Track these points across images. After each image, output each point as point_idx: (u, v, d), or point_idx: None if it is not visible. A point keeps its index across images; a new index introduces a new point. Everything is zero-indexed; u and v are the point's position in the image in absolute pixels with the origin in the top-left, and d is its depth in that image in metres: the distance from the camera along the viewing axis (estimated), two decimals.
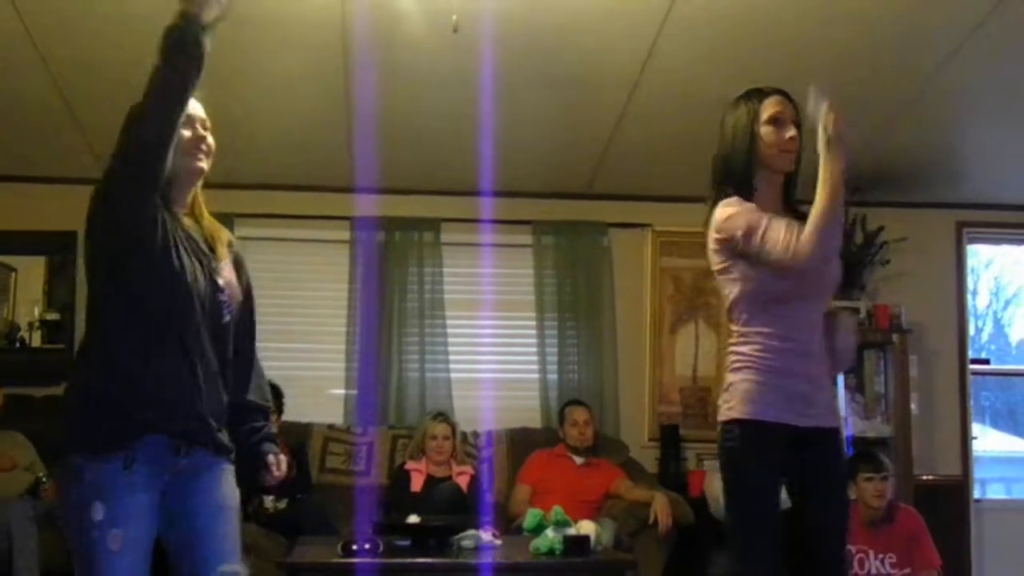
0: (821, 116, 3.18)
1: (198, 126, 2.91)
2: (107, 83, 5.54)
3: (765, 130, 3.33)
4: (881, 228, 6.68)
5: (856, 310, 6.58)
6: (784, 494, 3.42)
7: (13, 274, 6.63)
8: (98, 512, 2.67)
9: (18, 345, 6.54)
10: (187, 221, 2.91)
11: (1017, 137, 6.24)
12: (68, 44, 5.25)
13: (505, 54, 5.18)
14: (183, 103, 2.69)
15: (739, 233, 3.23)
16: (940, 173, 6.73)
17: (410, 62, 5.35)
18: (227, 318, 2.89)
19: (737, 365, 3.31)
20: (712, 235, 3.34)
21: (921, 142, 6.27)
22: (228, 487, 2.89)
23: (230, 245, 3.03)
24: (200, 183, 2.97)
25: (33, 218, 6.54)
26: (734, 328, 3.36)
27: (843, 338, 3.38)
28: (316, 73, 5.47)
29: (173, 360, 2.75)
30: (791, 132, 3.33)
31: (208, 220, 2.99)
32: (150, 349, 2.72)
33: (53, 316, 6.53)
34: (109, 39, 5.18)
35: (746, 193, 3.32)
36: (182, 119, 2.73)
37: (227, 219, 6.23)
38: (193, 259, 2.82)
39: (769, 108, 3.35)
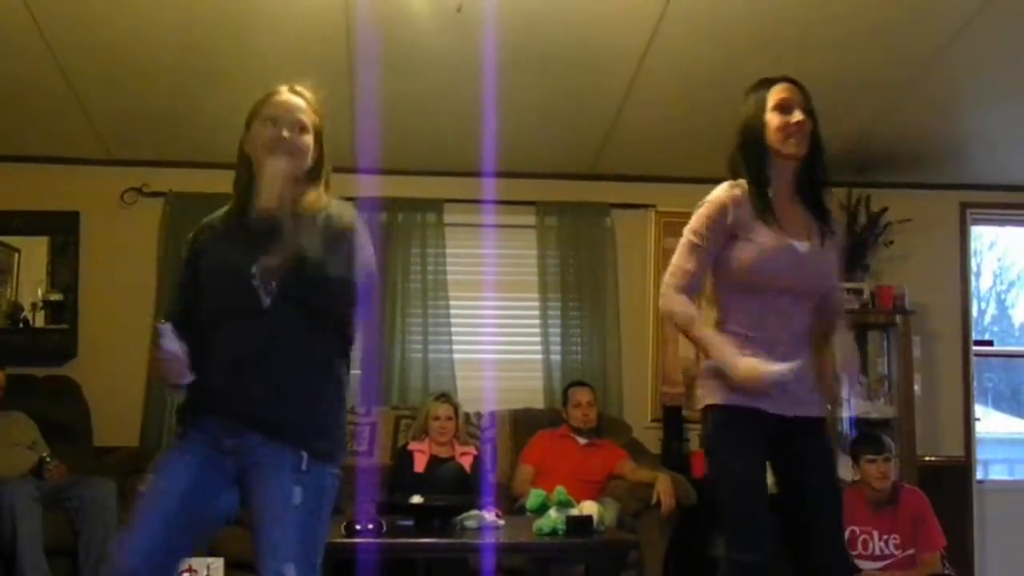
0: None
1: (280, 127, 2.98)
2: (110, 66, 5.55)
3: (771, 116, 3.34)
4: (885, 209, 6.67)
5: (860, 291, 6.60)
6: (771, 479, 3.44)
7: (16, 254, 6.62)
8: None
9: (21, 325, 6.54)
10: (260, 216, 2.87)
11: (1021, 118, 6.22)
12: (72, 28, 5.25)
13: (509, 34, 5.17)
14: None
15: (689, 235, 3.39)
16: (944, 154, 6.72)
17: (413, 41, 5.33)
18: (266, 302, 2.82)
19: None
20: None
21: (925, 123, 6.25)
22: (285, 485, 2.81)
23: (314, 219, 2.95)
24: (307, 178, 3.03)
25: (36, 198, 6.54)
26: (716, 309, 3.40)
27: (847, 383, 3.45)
28: (319, 53, 5.46)
29: (212, 350, 2.88)
30: (797, 116, 3.32)
31: (302, 207, 2.94)
32: (201, 345, 2.88)
33: (56, 296, 6.54)
34: (113, 24, 5.19)
35: (762, 183, 3.35)
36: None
37: (226, 199, 6.24)
38: (233, 259, 2.89)
39: (775, 95, 3.36)
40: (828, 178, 3.45)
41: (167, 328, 2.82)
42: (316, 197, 3.03)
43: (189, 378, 2.86)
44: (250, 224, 2.92)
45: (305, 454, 2.82)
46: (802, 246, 3.34)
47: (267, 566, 2.78)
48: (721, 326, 3.36)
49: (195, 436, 2.89)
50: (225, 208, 3.13)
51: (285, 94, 3.05)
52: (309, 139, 3.03)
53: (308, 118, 3.04)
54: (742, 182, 3.39)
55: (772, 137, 3.34)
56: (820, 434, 3.39)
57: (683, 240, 3.39)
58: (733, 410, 3.28)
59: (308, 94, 3.07)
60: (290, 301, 2.84)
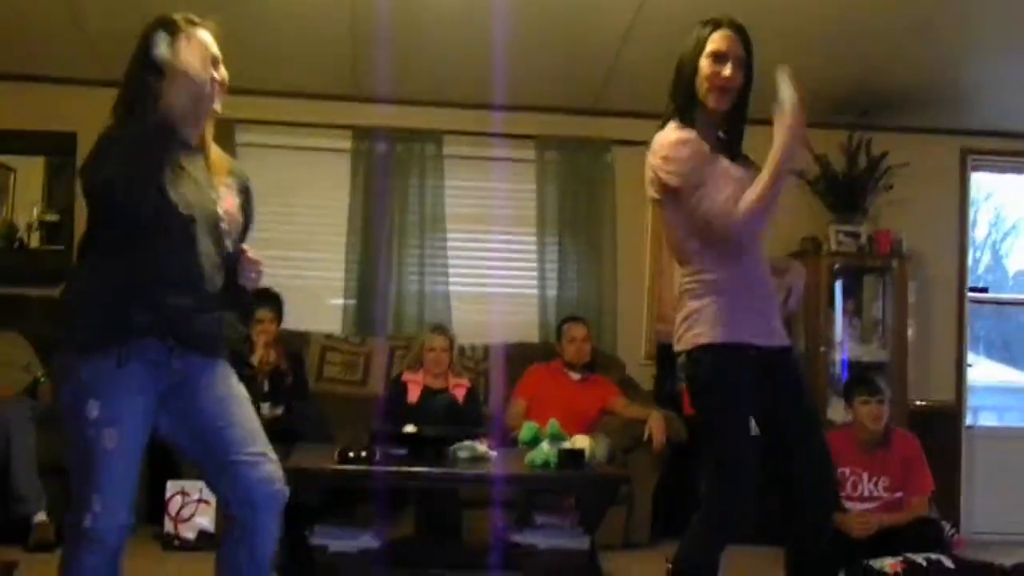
0: (786, 105, 3.11)
1: (217, 68, 2.97)
2: None
3: (704, 63, 3.28)
4: (885, 153, 6.64)
5: (857, 235, 6.59)
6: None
7: (12, 174, 6.59)
8: (93, 410, 2.71)
9: (17, 246, 6.52)
10: (190, 153, 2.95)
11: None
12: None
13: None
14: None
15: (676, 181, 3.24)
16: (946, 99, 6.69)
17: None
18: (229, 247, 2.94)
19: (700, 291, 3.26)
20: (652, 160, 3.36)
21: (928, 67, 6.22)
22: (232, 379, 2.96)
23: (231, 174, 3.06)
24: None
25: (33, 118, 6.49)
26: (688, 257, 3.30)
27: (795, 297, 3.40)
28: None
29: (166, 267, 2.81)
30: (727, 70, 3.25)
31: (214, 153, 3.03)
32: (144, 256, 2.79)
33: (52, 217, 6.52)
34: None
35: (686, 122, 3.29)
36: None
37: (228, 125, 6.20)
38: (190, 184, 2.88)
39: (714, 42, 3.28)
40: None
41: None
42: (218, 154, 3.07)
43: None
44: (192, 154, 2.96)
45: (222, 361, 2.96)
46: (747, 173, 3.29)
47: (251, 451, 2.88)
48: (697, 276, 3.28)
49: (136, 361, 2.76)
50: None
51: (199, 28, 2.97)
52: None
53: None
54: (683, 132, 3.29)
55: (699, 84, 3.29)
56: (792, 363, 3.39)
57: (692, 185, 3.21)
58: (725, 349, 3.21)
59: (211, 24, 3.00)
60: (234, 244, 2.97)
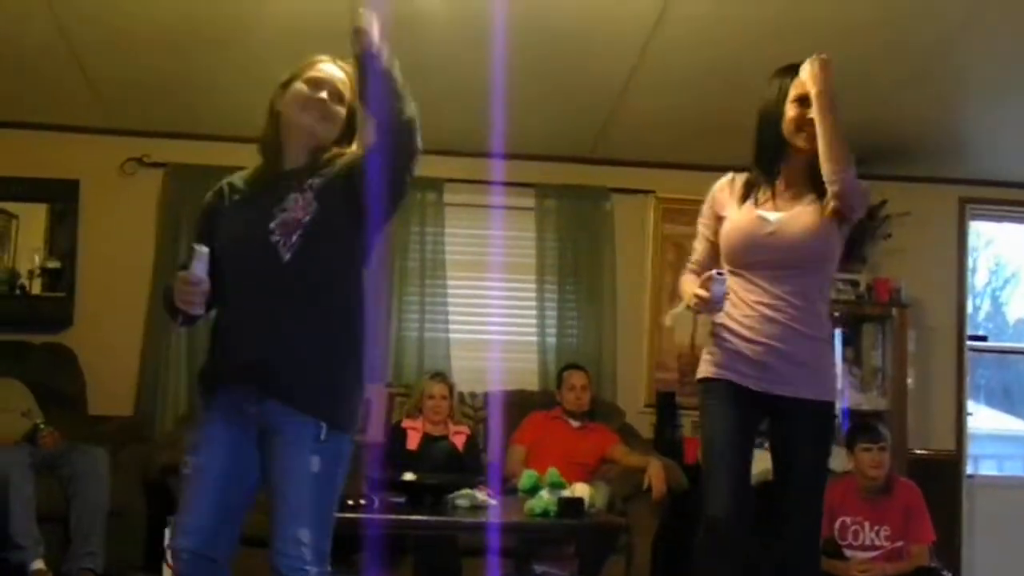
0: (807, 73, 3.35)
1: (321, 90, 3.01)
2: (114, 33, 5.52)
3: (789, 108, 3.39)
4: (884, 202, 6.66)
5: (856, 283, 6.60)
6: (768, 463, 3.50)
7: (14, 221, 6.61)
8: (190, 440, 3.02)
9: (18, 292, 6.52)
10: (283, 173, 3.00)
11: (1022, 114, 6.22)
12: None
13: (513, 14, 5.15)
14: None
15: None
16: (945, 148, 6.72)
17: (418, 18, 5.32)
18: (286, 257, 2.86)
19: (716, 327, 3.49)
20: None
21: (926, 117, 6.25)
22: (304, 454, 2.84)
23: (322, 174, 2.98)
24: (327, 143, 3.05)
25: (36, 165, 6.52)
26: None
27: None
28: (322, 26, 5.43)
29: (232, 316, 2.93)
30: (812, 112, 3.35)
31: (316, 164, 3.01)
32: (220, 310, 2.97)
33: (54, 264, 6.53)
34: None
35: (772, 168, 3.44)
36: None
37: (227, 172, 6.22)
38: (252, 219, 2.92)
39: (797, 87, 3.40)
40: None
41: (205, 252, 2.83)
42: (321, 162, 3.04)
43: (201, 311, 2.88)
44: (276, 182, 2.97)
45: (324, 424, 2.86)
46: (774, 215, 3.38)
47: (284, 531, 2.82)
48: (720, 317, 3.46)
49: (219, 406, 2.93)
50: (249, 169, 3.13)
51: (329, 62, 3.10)
52: (342, 110, 3.06)
53: (346, 90, 3.06)
54: (743, 174, 3.53)
55: (785, 128, 3.38)
56: (811, 418, 3.40)
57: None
58: (711, 382, 3.45)
59: (349, 69, 3.05)
60: (300, 245, 2.86)
